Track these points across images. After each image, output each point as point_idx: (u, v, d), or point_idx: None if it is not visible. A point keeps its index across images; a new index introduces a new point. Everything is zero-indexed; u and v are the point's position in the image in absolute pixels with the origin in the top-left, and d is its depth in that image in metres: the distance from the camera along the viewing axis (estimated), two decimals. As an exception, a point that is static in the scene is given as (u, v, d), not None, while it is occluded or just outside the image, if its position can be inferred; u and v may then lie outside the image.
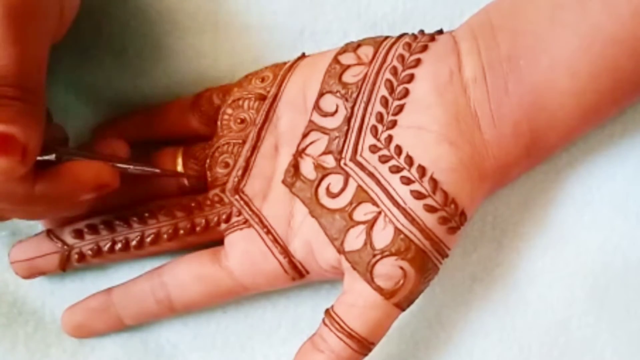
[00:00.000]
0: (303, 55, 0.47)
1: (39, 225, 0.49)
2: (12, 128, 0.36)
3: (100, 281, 0.49)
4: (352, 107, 0.43)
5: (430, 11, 0.48)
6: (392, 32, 0.46)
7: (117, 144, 0.46)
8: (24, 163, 0.37)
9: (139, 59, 0.49)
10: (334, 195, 0.43)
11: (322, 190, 0.43)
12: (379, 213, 0.41)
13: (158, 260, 0.48)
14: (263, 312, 0.49)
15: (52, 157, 0.41)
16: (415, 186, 0.41)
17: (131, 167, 0.45)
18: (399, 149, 0.42)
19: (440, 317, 0.47)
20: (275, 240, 0.44)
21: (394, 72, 0.43)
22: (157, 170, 0.46)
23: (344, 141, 0.43)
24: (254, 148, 0.46)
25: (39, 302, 0.50)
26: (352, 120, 0.43)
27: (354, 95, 0.43)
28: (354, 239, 0.42)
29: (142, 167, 0.45)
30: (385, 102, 0.43)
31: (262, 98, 0.46)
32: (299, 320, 0.48)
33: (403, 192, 0.41)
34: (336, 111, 0.44)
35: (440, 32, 0.44)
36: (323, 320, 0.43)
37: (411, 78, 0.42)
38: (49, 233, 0.48)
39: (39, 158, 0.39)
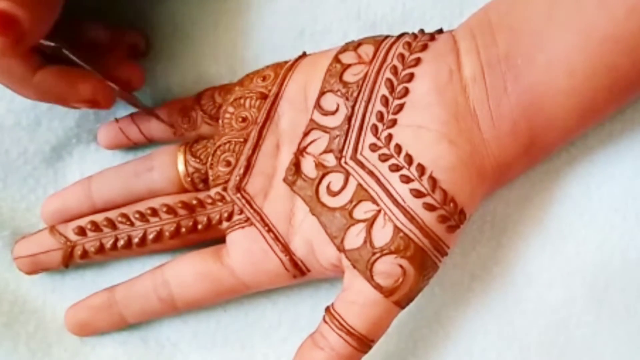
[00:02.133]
0: (304, 54, 0.47)
1: (40, 225, 0.49)
2: (14, 8, 0.37)
3: (101, 279, 0.49)
4: (353, 106, 0.43)
5: (429, 11, 0.48)
6: (392, 32, 0.46)
7: (133, 71, 0.47)
8: (18, 46, 0.38)
9: (141, 60, 0.49)
10: (334, 194, 0.43)
11: (322, 188, 0.43)
12: (379, 211, 0.41)
13: (160, 258, 0.48)
14: (263, 311, 0.49)
15: (51, 44, 0.42)
16: (415, 185, 0.41)
17: (121, 95, 0.46)
18: (398, 148, 0.42)
19: (439, 316, 0.47)
20: (276, 239, 0.44)
21: (394, 71, 0.43)
22: (147, 108, 0.48)
23: (345, 140, 0.43)
24: (256, 146, 0.46)
25: (40, 300, 0.50)
26: (353, 119, 0.43)
27: (355, 94, 0.44)
28: (354, 237, 0.42)
29: (134, 101, 0.47)
30: (385, 101, 0.43)
31: (263, 97, 0.46)
32: (299, 319, 0.48)
33: (402, 191, 0.41)
34: (337, 110, 0.44)
35: (440, 31, 0.45)
36: (323, 318, 0.43)
37: (411, 77, 0.43)
38: (52, 229, 0.48)
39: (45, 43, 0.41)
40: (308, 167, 0.44)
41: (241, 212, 0.45)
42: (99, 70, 0.44)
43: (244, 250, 0.45)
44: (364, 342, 0.42)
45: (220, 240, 0.47)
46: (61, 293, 0.50)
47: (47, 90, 0.43)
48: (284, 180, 0.45)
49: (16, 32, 0.37)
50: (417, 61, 0.43)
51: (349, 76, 0.44)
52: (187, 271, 0.46)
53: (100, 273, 0.50)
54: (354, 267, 0.42)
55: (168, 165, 0.48)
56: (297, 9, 0.49)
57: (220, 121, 0.47)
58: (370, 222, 0.41)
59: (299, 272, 0.45)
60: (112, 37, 0.47)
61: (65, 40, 0.43)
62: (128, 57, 0.48)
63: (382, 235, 0.41)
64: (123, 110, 0.49)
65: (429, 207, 0.41)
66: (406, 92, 0.42)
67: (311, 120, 0.45)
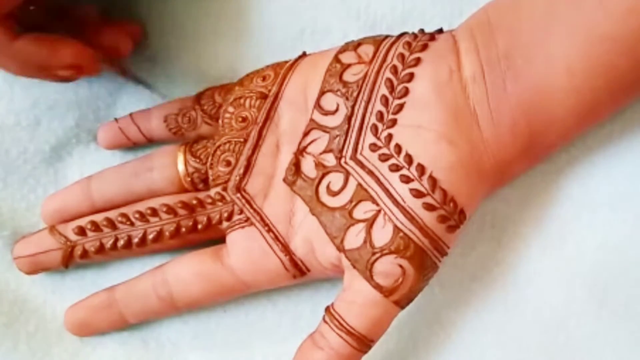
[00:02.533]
0: (304, 54, 0.47)
1: (40, 226, 0.49)
2: None
3: (101, 279, 0.49)
4: (353, 106, 0.43)
5: (429, 11, 0.48)
6: (392, 32, 0.46)
7: (120, 37, 0.47)
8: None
9: (141, 59, 0.49)
10: (334, 194, 0.43)
11: (322, 188, 0.43)
12: (379, 211, 0.41)
13: (159, 258, 0.48)
14: (263, 311, 0.49)
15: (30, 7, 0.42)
16: (415, 185, 0.41)
17: (106, 62, 0.47)
18: (398, 148, 0.42)
19: (439, 316, 0.47)
20: (276, 239, 0.44)
21: (394, 71, 0.43)
22: (134, 76, 0.48)
23: (345, 140, 0.43)
24: (256, 146, 0.46)
25: (40, 300, 0.50)
26: (353, 119, 0.43)
27: (355, 94, 0.44)
28: (354, 237, 0.42)
29: (120, 68, 0.47)
30: (385, 101, 0.43)
31: (263, 97, 0.46)
32: (299, 319, 0.48)
33: (402, 191, 0.41)
34: (337, 110, 0.44)
35: (440, 31, 0.45)
36: (323, 318, 0.43)
37: (411, 77, 0.43)
38: (52, 229, 0.48)
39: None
40: (308, 167, 0.44)
41: (241, 212, 0.45)
42: (83, 35, 0.44)
43: (244, 250, 0.45)
44: (364, 342, 0.42)
45: (220, 240, 0.46)
46: (61, 293, 0.50)
47: (29, 57, 0.42)
48: (284, 180, 0.45)
49: None
50: (417, 61, 0.43)
51: (349, 76, 0.44)
52: (187, 271, 0.46)
53: (100, 273, 0.50)
54: (354, 267, 0.42)
55: (168, 165, 0.48)
56: (297, 9, 0.49)
57: (220, 121, 0.47)
58: (370, 222, 0.41)
59: (298, 272, 0.44)
60: (103, 22, 0.47)
61: (51, 13, 0.42)
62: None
63: (382, 235, 0.41)
64: (122, 110, 0.49)
65: (429, 207, 0.41)
66: (406, 92, 0.42)
67: (311, 120, 0.45)
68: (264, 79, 0.47)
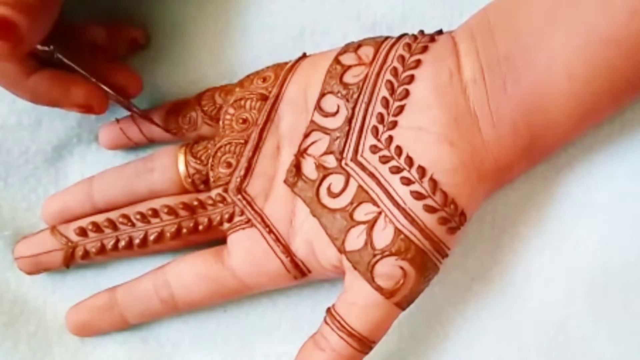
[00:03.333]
0: (304, 56, 0.47)
1: (41, 225, 0.49)
2: (13, 13, 0.38)
3: (101, 280, 0.50)
4: (353, 108, 0.43)
5: (429, 11, 0.48)
6: (392, 32, 0.46)
7: (131, 79, 0.47)
8: (16, 50, 0.39)
9: (141, 60, 0.49)
10: (335, 195, 0.43)
11: (323, 190, 0.44)
12: (380, 213, 0.41)
13: (160, 259, 0.48)
14: (263, 311, 0.49)
15: (48, 48, 0.42)
16: (415, 187, 0.41)
17: (116, 100, 0.47)
18: (399, 150, 0.42)
19: (439, 316, 0.47)
20: (277, 240, 0.44)
21: (395, 73, 0.43)
22: (142, 112, 0.48)
23: (345, 141, 0.43)
24: (256, 148, 0.46)
25: (41, 300, 0.50)
26: (353, 120, 0.43)
27: (355, 95, 0.44)
28: (355, 239, 0.42)
29: (129, 107, 0.47)
30: (385, 103, 0.43)
31: (263, 98, 0.46)
32: (299, 319, 0.48)
33: (403, 193, 0.41)
34: (337, 111, 0.44)
35: (440, 32, 0.45)
36: (324, 319, 0.43)
37: (411, 79, 0.43)
38: (53, 230, 0.48)
39: (39, 47, 0.42)
40: (308, 168, 0.44)
41: (242, 213, 0.45)
42: (95, 74, 0.45)
43: (245, 251, 0.45)
44: (365, 343, 0.42)
45: (221, 241, 0.47)
46: (62, 293, 0.50)
47: (41, 94, 0.44)
48: (285, 181, 0.45)
49: (15, 37, 0.38)
50: (417, 63, 0.43)
51: (349, 77, 0.44)
52: (188, 272, 0.46)
53: (101, 273, 0.50)
54: (355, 268, 0.42)
55: (169, 166, 0.48)
56: (297, 9, 0.49)
57: (220, 122, 0.47)
58: (371, 224, 0.42)
59: (299, 273, 0.45)
60: (110, 35, 0.47)
61: (62, 43, 0.43)
62: (128, 53, 0.48)
63: (383, 237, 0.41)
64: (124, 110, 0.49)
65: (430, 209, 0.41)
66: (406, 93, 0.42)
67: (311, 121, 0.45)
68: (264, 80, 0.47)
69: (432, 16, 0.48)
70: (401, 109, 0.42)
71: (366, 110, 0.43)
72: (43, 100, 0.44)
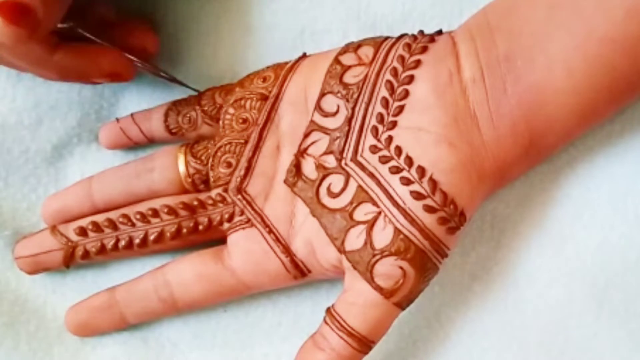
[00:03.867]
0: (304, 55, 0.47)
1: (41, 225, 0.50)
2: (31, 0, 0.38)
3: (101, 280, 0.50)
4: (353, 108, 0.44)
5: (429, 11, 0.48)
6: (392, 32, 0.46)
7: (147, 37, 0.48)
8: (33, 34, 0.39)
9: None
10: (334, 195, 0.43)
11: (323, 190, 0.44)
12: (379, 213, 0.42)
13: (160, 259, 0.48)
14: (263, 311, 0.49)
15: (65, 25, 0.43)
16: (415, 187, 0.41)
17: (141, 65, 0.47)
18: (399, 150, 0.42)
19: (439, 316, 0.47)
20: (277, 240, 0.44)
21: (394, 73, 0.43)
22: (165, 75, 0.49)
23: (345, 141, 0.43)
24: (256, 148, 0.46)
25: (41, 300, 0.50)
26: (353, 120, 0.43)
27: (355, 96, 0.44)
28: (355, 239, 0.42)
29: (154, 69, 0.48)
30: (385, 103, 0.43)
31: (263, 98, 0.46)
32: (299, 319, 0.48)
33: (403, 193, 0.41)
34: (337, 111, 0.44)
35: (440, 32, 0.45)
36: (324, 319, 0.43)
37: (411, 79, 0.43)
38: (53, 229, 0.48)
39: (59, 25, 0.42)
40: (308, 168, 0.44)
41: (242, 213, 0.45)
42: (113, 43, 0.45)
43: (245, 251, 0.45)
44: (365, 343, 0.42)
45: (221, 240, 0.47)
46: (62, 293, 0.50)
47: (68, 68, 0.44)
48: (285, 181, 0.45)
49: (31, 22, 0.38)
50: (417, 63, 0.43)
51: (349, 78, 0.44)
52: (188, 272, 0.46)
53: (100, 273, 0.50)
54: (355, 268, 0.42)
55: (169, 166, 0.48)
56: (297, 9, 0.49)
57: (220, 122, 0.47)
58: (371, 224, 0.42)
59: (299, 273, 0.45)
60: (121, 20, 0.48)
61: (76, 19, 0.43)
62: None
63: (383, 237, 0.41)
64: (124, 110, 0.49)
65: (429, 209, 0.41)
66: (406, 94, 0.42)
67: (311, 121, 0.45)
68: (264, 80, 0.47)
69: (432, 16, 0.48)
70: (401, 109, 0.42)
71: (366, 110, 0.43)
72: (71, 74, 0.45)
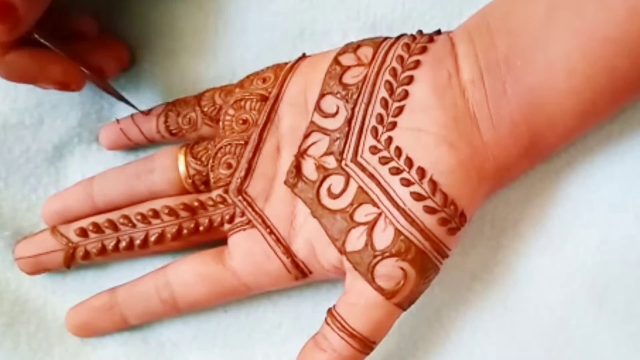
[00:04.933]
0: (304, 56, 0.47)
1: (41, 226, 0.50)
2: None
3: (101, 280, 0.50)
4: (353, 109, 0.44)
5: (429, 11, 0.48)
6: (391, 32, 0.46)
7: (85, 22, 0.47)
8: (13, 32, 0.39)
9: (141, 60, 0.49)
10: (335, 196, 0.43)
11: (323, 190, 0.44)
12: (380, 214, 0.42)
13: (160, 259, 0.48)
14: (264, 311, 0.49)
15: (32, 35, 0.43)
16: (415, 188, 0.41)
17: (92, 79, 0.47)
18: (398, 151, 0.42)
19: (439, 316, 0.47)
20: (278, 241, 0.44)
21: (394, 73, 0.43)
22: (118, 93, 0.48)
23: (345, 142, 0.43)
24: (256, 149, 0.46)
25: (41, 300, 0.50)
26: (353, 121, 0.43)
27: (355, 96, 0.44)
28: (355, 240, 0.42)
29: (105, 85, 0.48)
30: (385, 104, 0.43)
31: (263, 99, 0.46)
32: (300, 319, 0.48)
33: (403, 194, 0.41)
34: (337, 112, 0.44)
35: (439, 32, 0.45)
36: (325, 320, 0.43)
37: (410, 80, 0.43)
38: (54, 230, 0.48)
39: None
40: (309, 169, 0.44)
41: (243, 214, 0.45)
42: (74, 54, 0.45)
43: (246, 252, 0.45)
44: (366, 344, 0.42)
45: (222, 241, 0.47)
46: (62, 293, 0.50)
47: (18, 70, 0.43)
48: (285, 182, 0.45)
49: (13, 19, 0.39)
50: (417, 64, 0.43)
51: (348, 78, 0.44)
52: (189, 273, 0.46)
53: (101, 273, 0.50)
54: (356, 269, 0.42)
55: (169, 167, 0.48)
56: (297, 9, 0.49)
57: (220, 123, 0.47)
58: (371, 225, 0.42)
59: (300, 273, 0.45)
60: (100, 37, 0.47)
61: (47, 24, 0.43)
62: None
63: (383, 238, 0.41)
64: (124, 111, 0.49)
65: (430, 210, 0.41)
66: (406, 94, 0.42)
67: (311, 122, 0.45)
68: (264, 80, 0.47)
69: (432, 16, 0.48)
70: (400, 109, 0.42)
71: (365, 110, 0.43)
72: (17, 76, 0.44)
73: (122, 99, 0.48)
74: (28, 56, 0.43)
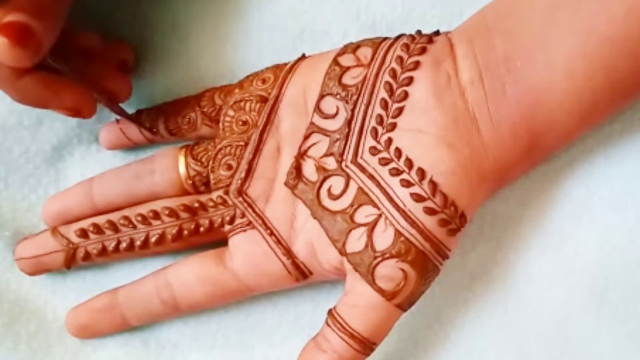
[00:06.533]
0: (303, 56, 0.47)
1: (42, 226, 0.50)
2: (30, 20, 0.38)
3: (102, 281, 0.50)
4: (353, 109, 0.44)
5: (429, 11, 0.48)
6: (391, 32, 0.46)
7: (89, 37, 0.47)
8: (34, 58, 0.39)
9: (141, 60, 0.49)
10: (335, 197, 0.43)
11: (323, 192, 0.44)
12: (380, 215, 0.42)
13: (160, 260, 0.48)
14: (264, 312, 0.49)
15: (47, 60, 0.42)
16: (415, 189, 0.41)
17: (105, 105, 0.47)
18: (398, 152, 0.42)
19: (439, 316, 0.47)
20: (278, 242, 0.44)
21: (393, 74, 0.43)
22: (131, 117, 0.49)
23: (345, 143, 0.43)
24: (256, 150, 0.46)
25: (41, 301, 0.50)
26: (353, 122, 0.43)
27: (354, 97, 0.44)
28: (356, 241, 0.42)
29: (119, 111, 0.48)
30: (384, 105, 0.43)
31: (263, 100, 0.46)
32: (300, 320, 0.48)
33: (403, 195, 0.41)
34: (337, 113, 0.44)
35: (437, 32, 0.45)
36: (326, 321, 0.43)
37: (410, 81, 0.43)
38: (54, 231, 0.48)
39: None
40: (309, 170, 0.44)
41: (243, 215, 0.45)
42: (86, 79, 0.45)
43: (246, 253, 0.45)
44: (366, 345, 0.42)
45: (223, 242, 0.47)
46: (62, 293, 0.50)
47: (31, 94, 0.43)
48: (285, 183, 0.45)
49: (33, 43, 0.39)
50: (416, 64, 0.43)
51: (348, 79, 0.44)
52: (189, 274, 0.46)
53: (101, 274, 0.50)
54: (356, 270, 0.42)
55: (169, 168, 0.48)
56: (297, 9, 0.49)
57: (220, 124, 0.47)
58: (372, 226, 0.42)
59: (301, 274, 0.45)
60: (105, 47, 0.47)
61: (57, 46, 0.43)
62: (117, 69, 0.48)
63: (383, 239, 0.41)
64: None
65: (430, 211, 0.41)
66: (405, 95, 0.42)
67: (311, 123, 0.45)
68: (263, 81, 0.47)
69: (432, 16, 0.48)
70: (400, 110, 0.42)
71: (365, 111, 0.43)
72: (30, 101, 0.44)
73: (133, 120, 0.48)
74: (41, 81, 0.43)
